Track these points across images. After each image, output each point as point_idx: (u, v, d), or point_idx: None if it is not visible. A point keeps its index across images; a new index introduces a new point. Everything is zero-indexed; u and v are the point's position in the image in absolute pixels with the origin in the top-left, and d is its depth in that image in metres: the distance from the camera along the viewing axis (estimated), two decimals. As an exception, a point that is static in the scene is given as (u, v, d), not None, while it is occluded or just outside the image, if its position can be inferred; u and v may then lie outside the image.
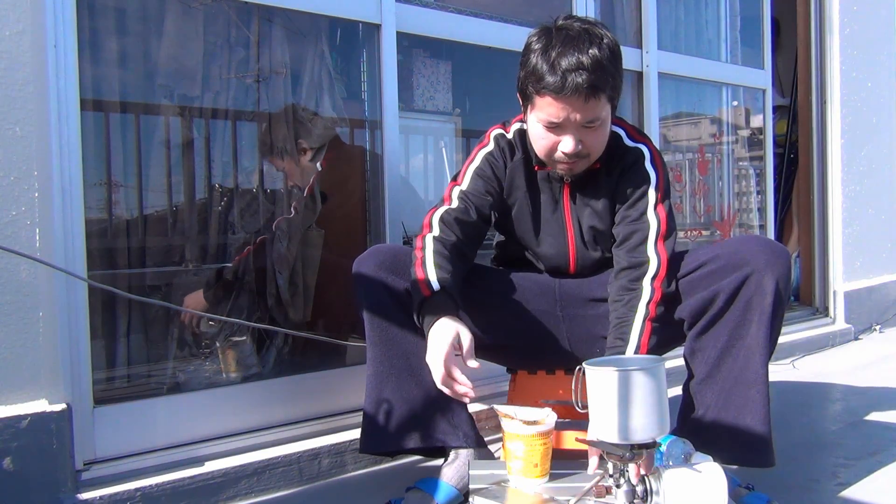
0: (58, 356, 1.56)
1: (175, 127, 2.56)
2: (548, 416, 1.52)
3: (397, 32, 2.19)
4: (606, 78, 1.56)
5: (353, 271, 1.67)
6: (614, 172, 1.71)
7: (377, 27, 2.17)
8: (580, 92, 1.53)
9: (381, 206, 2.21)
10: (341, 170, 2.57)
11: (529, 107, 1.65)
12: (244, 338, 2.20)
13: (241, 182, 2.74)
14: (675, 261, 1.66)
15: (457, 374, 1.48)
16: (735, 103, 3.98)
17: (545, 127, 1.62)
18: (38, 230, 1.53)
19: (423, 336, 1.54)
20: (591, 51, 1.54)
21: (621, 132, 1.73)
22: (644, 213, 1.67)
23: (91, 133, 2.26)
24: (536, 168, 1.75)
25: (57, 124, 1.58)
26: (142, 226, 2.54)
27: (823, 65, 3.82)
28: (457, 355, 1.50)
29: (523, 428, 1.49)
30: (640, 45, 2.97)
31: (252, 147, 2.73)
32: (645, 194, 1.68)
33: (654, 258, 1.62)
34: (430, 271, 1.58)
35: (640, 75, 2.96)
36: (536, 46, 1.59)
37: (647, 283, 1.61)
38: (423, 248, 1.63)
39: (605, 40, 1.58)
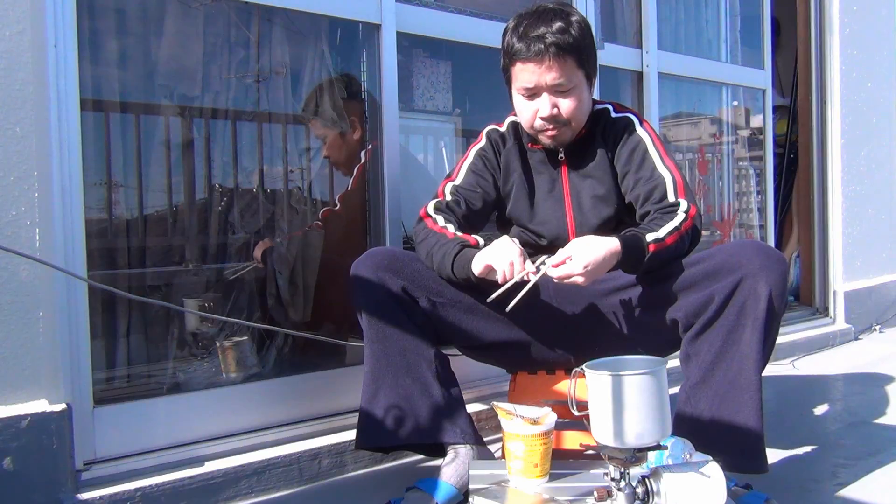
0: (58, 356, 1.56)
1: (175, 127, 2.56)
2: (548, 416, 1.52)
3: (397, 32, 2.20)
4: (570, 42, 1.67)
5: (350, 273, 1.68)
6: (608, 140, 1.80)
7: (377, 27, 2.17)
8: (544, 53, 1.66)
9: (381, 205, 2.21)
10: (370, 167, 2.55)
11: (511, 82, 1.76)
12: (244, 338, 2.20)
13: (241, 182, 2.74)
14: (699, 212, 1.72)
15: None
16: (735, 103, 3.98)
17: (523, 96, 1.74)
18: (38, 230, 1.53)
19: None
20: (556, 23, 1.67)
21: (608, 107, 1.85)
22: (654, 169, 1.74)
23: (91, 133, 2.26)
24: (530, 145, 1.84)
25: (57, 124, 1.58)
26: (142, 226, 2.54)
27: (823, 65, 3.82)
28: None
29: (523, 428, 1.49)
30: (640, 45, 2.97)
31: (252, 147, 2.73)
32: (646, 154, 1.76)
33: (682, 203, 1.68)
34: (461, 232, 1.70)
35: (640, 75, 2.96)
36: (510, 26, 1.74)
37: (681, 211, 1.66)
38: (435, 223, 1.73)
39: (573, 17, 1.71)
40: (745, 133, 4.06)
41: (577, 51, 1.69)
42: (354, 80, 2.55)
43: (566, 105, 1.71)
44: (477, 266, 1.59)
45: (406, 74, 3.10)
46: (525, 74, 1.69)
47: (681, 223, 1.63)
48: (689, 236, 1.65)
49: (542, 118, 1.72)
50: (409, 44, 2.96)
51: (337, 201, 2.58)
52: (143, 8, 2.36)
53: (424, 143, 3.52)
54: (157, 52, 2.41)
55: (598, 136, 1.80)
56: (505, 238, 1.62)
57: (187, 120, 2.56)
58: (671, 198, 1.68)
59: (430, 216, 1.76)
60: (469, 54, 3.00)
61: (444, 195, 1.81)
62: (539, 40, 1.65)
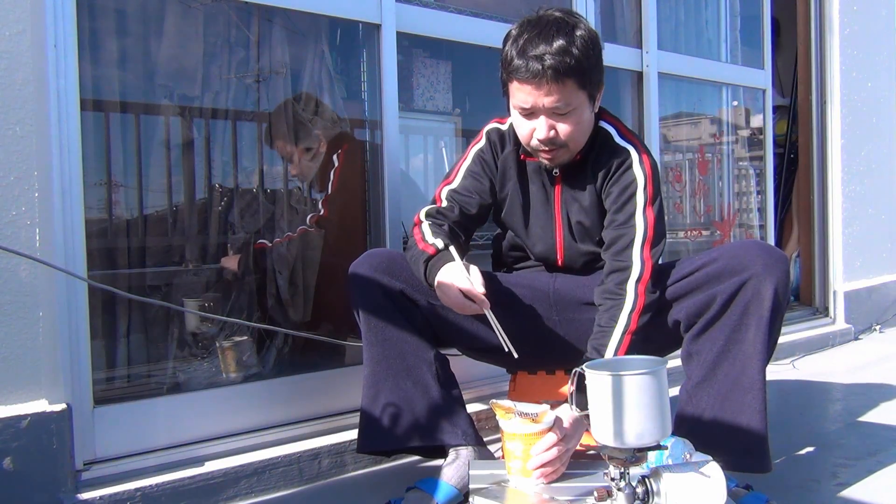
0: (58, 356, 1.56)
1: (175, 127, 2.56)
2: (546, 414, 1.51)
3: (397, 32, 2.19)
4: (572, 64, 1.56)
5: (349, 274, 1.68)
6: (602, 170, 1.71)
7: (377, 27, 2.17)
8: (541, 76, 1.55)
9: (381, 206, 2.21)
10: (351, 167, 2.57)
11: (509, 94, 1.68)
12: (244, 338, 2.20)
13: (241, 182, 2.74)
14: (660, 269, 1.65)
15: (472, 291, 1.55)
16: (735, 103, 3.98)
17: (520, 114, 1.65)
18: (38, 230, 1.53)
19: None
20: (558, 40, 1.56)
21: (612, 130, 1.73)
22: (632, 216, 1.66)
23: (91, 133, 2.26)
24: (523, 157, 1.77)
25: (57, 124, 1.58)
26: (142, 226, 2.54)
27: (823, 65, 3.82)
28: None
29: (522, 427, 1.49)
30: (640, 45, 2.97)
31: (252, 147, 2.73)
32: (632, 197, 1.67)
33: (637, 263, 1.61)
34: (431, 239, 1.66)
35: (640, 75, 2.96)
36: (512, 34, 1.64)
37: (630, 287, 1.60)
38: (419, 227, 1.72)
39: (577, 31, 1.59)
40: (745, 133, 4.06)
41: (579, 73, 1.57)
42: (312, 97, 2.59)
43: (564, 128, 1.62)
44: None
45: (406, 74, 3.10)
46: (521, 94, 1.60)
47: (628, 318, 1.57)
48: (646, 313, 1.58)
49: (539, 140, 1.64)
50: (409, 44, 2.96)
51: (321, 206, 2.59)
52: (143, 8, 2.36)
53: (424, 143, 3.52)
54: (157, 52, 2.41)
55: (593, 160, 1.71)
56: (448, 269, 1.59)
57: (187, 120, 2.56)
58: (633, 253, 1.62)
59: (422, 222, 1.74)
60: (469, 54, 3.00)
61: (440, 200, 1.78)
62: (537, 61, 1.54)
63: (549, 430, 1.50)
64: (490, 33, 2.46)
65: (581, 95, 1.61)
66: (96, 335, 1.89)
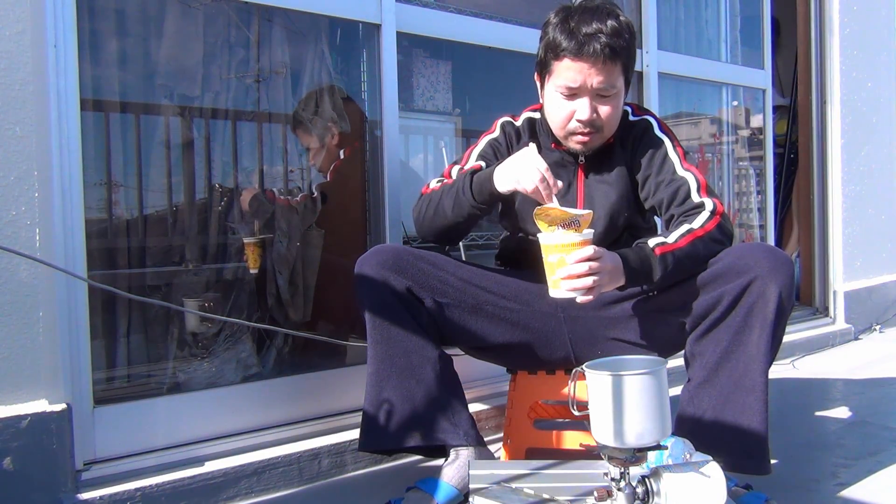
0: (58, 356, 1.56)
1: (175, 127, 2.56)
2: (589, 224, 1.48)
3: (397, 32, 2.19)
4: (623, 46, 1.63)
5: (355, 271, 1.67)
6: (627, 145, 1.77)
7: (377, 27, 2.17)
8: (598, 54, 1.60)
9: (381, 205, 2.21)
10: (354, 165, 2.58)
11: (547, 77, 1.70)
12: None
13: (241, 182, 2.74)
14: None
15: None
16: (735, 103, 3.99)
17: (563, 95, 1.67)
18: (38, 230, 1.53)
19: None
20: (609, 21, 1.62)
21: (627, 108, 1.81)
22: (675, 172, 1.71)
23: (91, 133, 2.26)
24: (553, 146, 1.79)
25: (57, 124, 1.58)
26: (142, 226, 2.54)
27: (823, 65, 3.82)
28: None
29: (562, 237, 1.45)
30: (640, 46, 2.96)
31: (252, 147, 2.73)
32: (666, 157, 1.73)
33: (708, 202, 1.65)
34: (465, 170, 1.69)
35: (640, 75, 2.96)
36: (555, 21, 1.67)
37: (705, 214, 1.63)
38: (432, 186, 1.73)
39: (622, 17, 1.67)
40: (745, 133, 4.06)
41: (626, 56, 1.65)
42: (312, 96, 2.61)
43: (605, 110, 1.67)
44: (503, 184, 1.56)
45: (406, 74, 3.11)
46: (570, 73, 1.63)
47: (702, 224, 1.60)
48: (710, 238, 1.60)
49: (580, 120, 1.67)
50: (409, 44, 2.96)
51: (314, 189, 2.65)
52: (143, 8, 2.36)
53: (424, 143, 3.53)
54: (157, 53, 2.41)
55: (617, 140, 1.77)
56: (528, 150, 1.55)
57: (187, 120, 2.55)
58: (695, 198, 1.66)
59: (435, 182, 1.75)
60: (469, 54, 3.01)
61: (449, 177, 1.77)
62: (594, 39, 1.59)
63: (589, 243, 1.47)
64: (490, 33, 2.46)
65: (622, 81, 1.68)
66: (96, 335, 1.89)
